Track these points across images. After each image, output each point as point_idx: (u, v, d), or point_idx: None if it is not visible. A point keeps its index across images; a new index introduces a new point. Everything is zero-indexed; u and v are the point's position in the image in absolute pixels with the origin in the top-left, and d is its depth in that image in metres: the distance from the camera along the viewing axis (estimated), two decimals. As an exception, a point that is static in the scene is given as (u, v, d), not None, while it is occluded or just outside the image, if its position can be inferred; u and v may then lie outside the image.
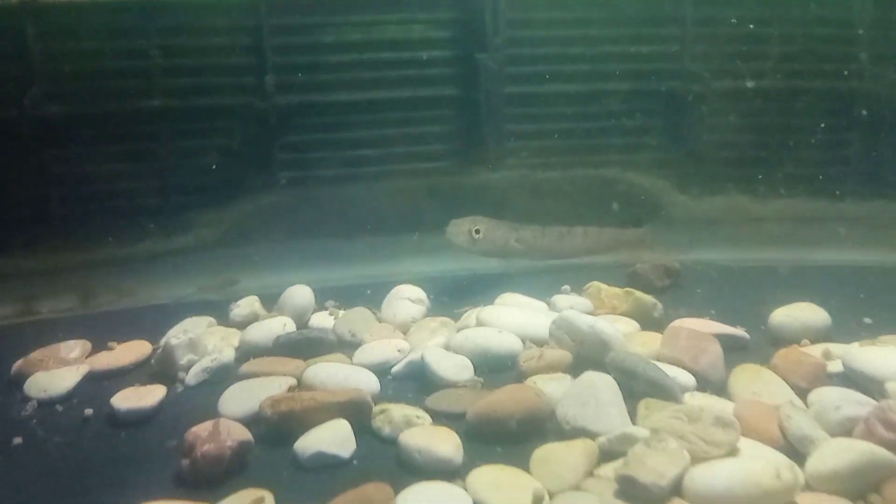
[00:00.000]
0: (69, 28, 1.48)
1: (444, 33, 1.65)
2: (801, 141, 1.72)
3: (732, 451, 0.79)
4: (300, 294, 1.28)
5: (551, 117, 1.68)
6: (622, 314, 1.24)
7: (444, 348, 1.11)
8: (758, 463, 0.74)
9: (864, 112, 1.70)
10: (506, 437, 0.90)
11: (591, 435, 0.86)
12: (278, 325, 1.19)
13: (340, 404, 0.94)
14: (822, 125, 1.72)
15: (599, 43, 1.66)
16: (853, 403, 0.84)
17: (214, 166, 1.58)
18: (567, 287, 1.36)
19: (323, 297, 1.37)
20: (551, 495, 0.77)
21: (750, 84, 1.70)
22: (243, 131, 1.59)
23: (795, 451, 0.82)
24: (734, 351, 1.11)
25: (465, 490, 0.79)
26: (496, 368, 1.08)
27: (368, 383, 1.02)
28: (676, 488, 0.75)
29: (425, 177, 1.65)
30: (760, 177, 1.70)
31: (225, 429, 0.89)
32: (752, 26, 1.68)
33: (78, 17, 1.48)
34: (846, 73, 1.69)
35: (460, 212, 1.61)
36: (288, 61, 1.58)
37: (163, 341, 1.16)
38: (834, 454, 0.76)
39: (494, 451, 0.89)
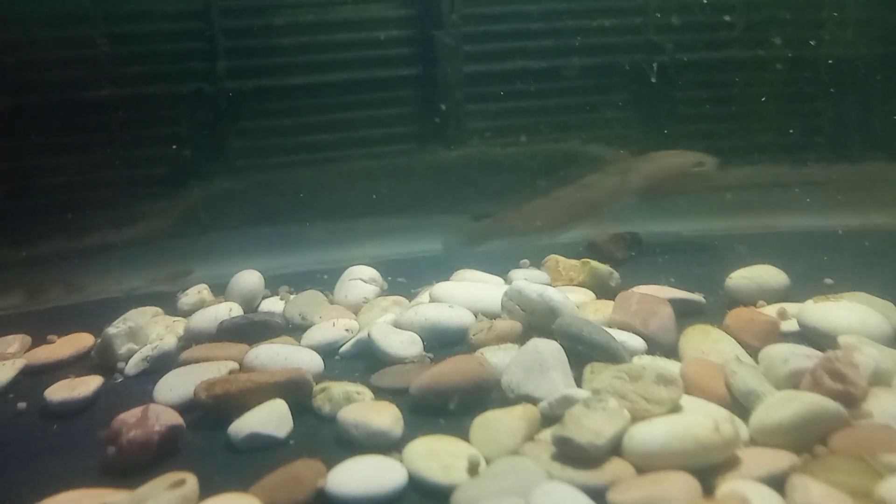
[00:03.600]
0: (10, 17, 1.43)
1: (400, 12, 1.61)
2: (766, 109, 1.70)
3: (675, 409, 0.76)
4: (248, 279, 1.24)
5: (512, 94, 1.65)
6: (579, 285, 1.21)
7: (393, 325, 1.07)
8: (697, 417, 0.71)
9: (829, 78, 1.68)
10: (457, 408, 0.87)
11: (535, 401, 0.83)
12: (223, 311, 1.15)
13: (279, 384, 0.90)
14: (787, 92, 1.69)
15: (559, 18, 1.63)
16: (801, 357, 0.81)
17: (165, 155, 1.55)
18: (526, 261, 1.33)
19: (279, 284, 1.34)
20: (488, 461, 0.74)
21: (713, 54, 1.68)
22: (194, 118, 1.56)
23: (741, 406, 0.80)
24: (690, 315, 1.08)
25: (401, 462, 0.76)
26: (447, 343, 1.05)
27: (310, 363, 0.98)
28: (615, 447, 0.72)
29: (383, 158, 1.62)
30: (725, 146, 1.67)
31: (154, 414, 0.85)
32: None
33: (20, 4, 1.44)
34: (810, 39, 1.67)
35: (419, 192, 1.59)
36: (239, 45, 1.54)
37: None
38: (778, 407, 0.73)
39: (437, 423, 0.85)
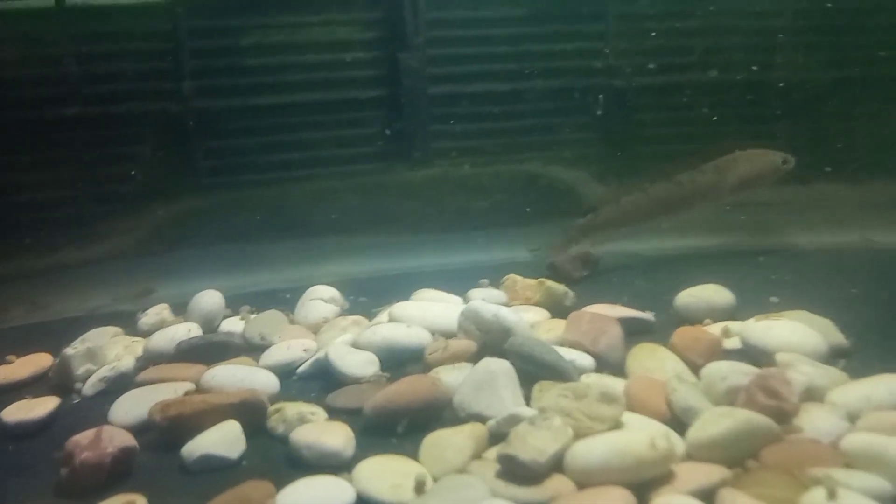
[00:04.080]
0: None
1: (366, 34, 1.65)
2: (723, 131, 1.75)
3: (616, 426, 0.79)
4: (208, 299, 1.25)
5: (477, 116, 1.69)
6: (535, 304, 1.24)
7: (351, 345, 1.09)
8: (635, 434, 0.74)
9: (782, 101, 1.74)
10: (409, 428, 0.88)
11: (485, 419, 0.86)
12: (182, 331, 1.16)
13: (233, 406, 0.91)
14: (742, 115, 1.75)
15: (522, 41, 1.68)
16: (738, 374, 0.85)
17: (131, 174, 1.55)
18: (485, 280, 1.36)
19: (243, 303, 1.35)
20: (436, 479, 0.76)
21: (673, 78, 1.74)
22: (160, 137, 1.57)
23: (681, 422, 0.82)
24: (640, 333, 1.11)
25: (350, 482, 0.77)
26: (403, 362, 1.06)
27: (266, 384, 1.00)
28: (557, 464, 0.74)
29: (348, 178, 1.64)
30: (682, 168, 1.72)
31: (107, 436, 0.86)
32: (674, 21, 1.71)
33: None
34: (767, 63, 1.73)
35: (384, 211, 1.62)
36: (207, 65, 1.55)
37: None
38: (712, 423, 0.76)
39: (390, 443, 0.87)
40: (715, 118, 1.72)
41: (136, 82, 1.53)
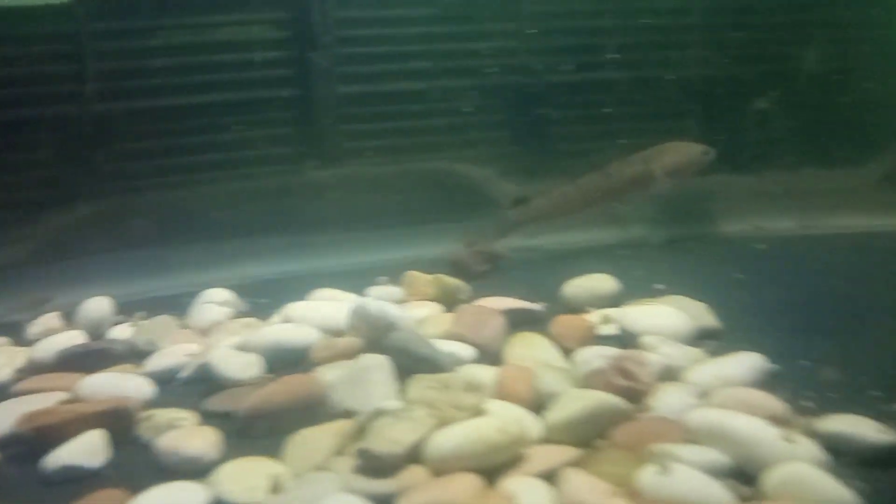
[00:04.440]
0: None
1: (275, 34, 1.63)
2: (635, 128, 1.80)
3: (478, 413, 0.80)
4: (94, 306, 1.21)
5: (389, 115, 1.69)
6: (431, 299, 1.25)
7: (238, 348, 1.08)
8: (487, 420, 0.75)
9: (699, 98, 1.79)
10: (279, 429, 0.88)
11: (357, 415, 0.86)
12: (66, 340, 1.13)
13: (101, 414, 0.89)
14: (648, 111, 1.80)
15: (434, 40, 1.69)
16: (599, 357, 0.87)
17: (27, 179, 1.50)
18: (384, 278, 1.36)
19: (140, 309, 1.32)
20: (298, 478, 0.76)
21: (586, 76, 1.77)
22: (60, 142, 1.52)
23: (544, 407, 0.84)
24: (530, 323, 1.13)
25: (207, 486, 0.76)
26: (291, 363, 1.05)
27: (140, 391, 0.98)
28: (415, 455, 0.75)
29: (255, 179, 1.62)
30: (590, 164, 1.76)
31: (-35, 449, 0.83)
32: (586, 19, 1.75)
33: None
34: (680, 60, 1.78)
35: (291, 212, 1.60)
36: (111, 67, 1.51)
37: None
38: (566, 405, 0.79)
39: (262, 444, 0.86)
40: (612, 112, 1.76)
41: (34, 86, 1.48)
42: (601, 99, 1.76)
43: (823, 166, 1.70)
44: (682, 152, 1.53)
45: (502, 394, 0.87)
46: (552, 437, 0.78)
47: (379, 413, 0.81)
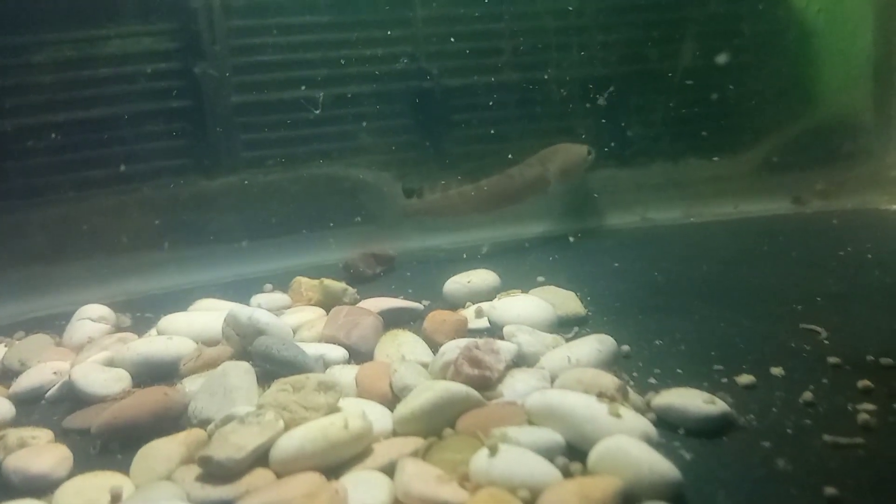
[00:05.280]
0: None
1: (164, 45, 1.60)
2: (527, 129, 1.84)
3: (332, 412, 0.81)
4: (-40, 330, 1.17)
5: (286, 124, 1.68)
6: (316, 304, 1.25)
7: (106, 363, 1.05)
8: (330, 418, 0.76)
9: (585, 97, 1.85)
10: (136, 442, 0.86)
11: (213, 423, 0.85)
12: (-75, 367, 1.08)
13: (-54, 438, 0.86)
14: (541, 112, 1.84)
15: (331, 47, 1.69)
16: (454, 349, 0.89)
17: None
18: (269, 285, 1.36)
19: (22, 329, 1.28)
20: (136, 490, 0.75)
21: (481, 79, 1.81)
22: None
23: (400, 401, 0.86)
24: (410, 322, 1.16)
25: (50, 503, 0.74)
26: (160, 376, 1.04)
27: (-2, 411, 0.94)
28: (259, 458, 0.75)
29: (143, 192, 1.59)
30: (492, 165, 1.79)
31: None
32: (480, 23, 1.78)
33: None
34: (565, 61, 1.83)
35: (181, 224, 1.58)
36: None
37: None
38: (415, 397, 0.80)
39: (116, 459, 0.85)
40: (505, 114, 1.80)
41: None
42: (494, 101, 1.80)
43: (705, 157, 1.79)
44: (572, 153, 1.60)
45: (363, 392, 0.88)
46: (400, 429, 0.79)
47: (228, 419, 0.81)
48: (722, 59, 1.76)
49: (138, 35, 1.60)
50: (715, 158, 1.78)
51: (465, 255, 1.53)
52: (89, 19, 1.55)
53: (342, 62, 1.70)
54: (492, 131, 1.80)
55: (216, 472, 0.73)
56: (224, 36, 1.63)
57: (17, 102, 1.50)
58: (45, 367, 1.06)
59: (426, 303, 1.22)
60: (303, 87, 1.68)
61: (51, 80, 1.53)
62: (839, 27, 1.86)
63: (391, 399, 0.86)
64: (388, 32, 1.73)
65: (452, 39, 1.76)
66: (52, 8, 1.53)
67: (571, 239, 1.59)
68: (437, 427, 0.79)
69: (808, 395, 0.85)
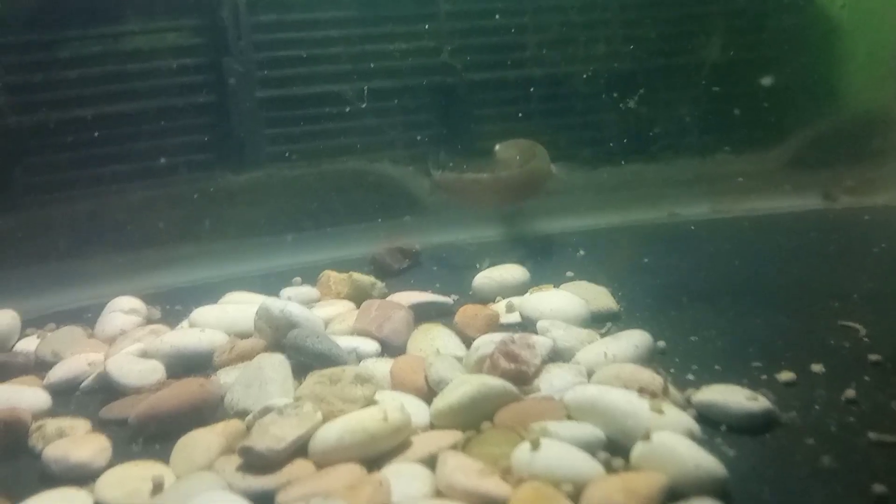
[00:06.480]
0: None
1: (190, 40, 1.62)
2: (547, 124, 1.82)
3: (369, 405, 0.81)
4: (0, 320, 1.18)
5: (311, 118, 1.69)
6: (345, 298, 1.25)
7: (140, 355, 1.06)
8: (369, 410, 0.76)
9: (601, 89, 1.83)
10: (171, 433, 0.87)
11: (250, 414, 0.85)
12: (-38, 356, 1.09)
13: (-12, 426, 0.87)
14: (562, 108, 1.83)
15: (355, 42, 1.69)
16: (489, 343, 0.89)
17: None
18: (298, 279, 1.36)
19: (53, 321, 1.29)
20: (177, 480, 0.75)
21: (505, 74, 1.80)
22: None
23: (436, 394, 0.85)
24: (440, 316, 1.15)
25: (91, 493, 0.75)
26: (194, 368, 1.04)
27: (35, 401, 0.95)
28: (299, 450, 0.75)
29: (172, 187, 1.60)
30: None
31: None
32: (502, 17, 1.77)
33: None
34: (584, 57, 1.81)
35: (208, 219, 1.59)
36: (22, 80, 1.47)
37: None
38: (452, 390, 0.80)
39: (153, 449, 0.86)
40: (544, 113, 1.79)
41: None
42: (520, 96, 1.79)
43: (733, 152, 1.77)
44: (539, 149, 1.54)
45: (396, 384, 0.88)
46: (438, 422, 0.79)
47: (266, 411, 0.81)
48: (767, 81, 1.75)
49: (164, 31, 1.61)
50: (744, 154, 1.76)
51: (491, 250, 1.52)
52: (115, 15, 1.56)
53: (366, 57, 1.71)
54: (519, 126, 1.80)
55: (256, 463, 0.74)
56: (249, 31, 1.64)
57: (44, 98, 1.51)
58: (79, 359, 1.07)
59: (455, 297, 1.22)
60: (326, 84, 1.68)
61: (78, 76, 1.55)
62: (864, 22, 1.84)
63: (427, 392, 0.86)
64: (413, 27, 1.73)
65: (477, 34, 1.76)
66: (78, 4, 1.55)
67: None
68: (474, 421, 0.78)
69: (850, 393, 0.83)
